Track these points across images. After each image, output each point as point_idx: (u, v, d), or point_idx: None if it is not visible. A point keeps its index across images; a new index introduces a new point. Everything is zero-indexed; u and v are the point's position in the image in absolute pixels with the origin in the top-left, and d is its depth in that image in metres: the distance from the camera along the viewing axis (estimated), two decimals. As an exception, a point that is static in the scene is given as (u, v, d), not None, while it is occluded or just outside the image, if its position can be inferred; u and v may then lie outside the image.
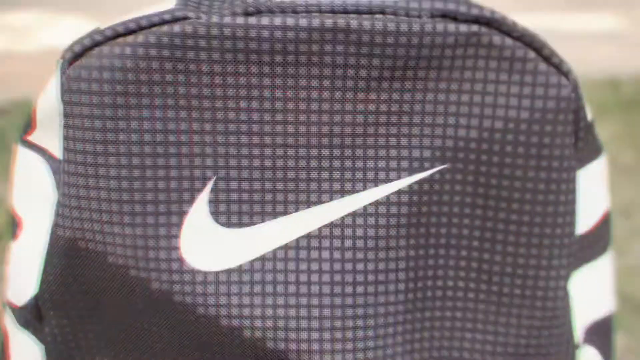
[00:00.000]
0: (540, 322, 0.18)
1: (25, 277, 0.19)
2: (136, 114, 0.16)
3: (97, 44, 0.16)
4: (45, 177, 0.18)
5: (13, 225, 0.20)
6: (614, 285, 0.86)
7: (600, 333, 0.21)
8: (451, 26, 0.15)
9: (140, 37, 0.16)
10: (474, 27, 0.16)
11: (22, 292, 0.19)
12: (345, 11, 0.15)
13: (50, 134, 0.18)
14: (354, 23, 0.15)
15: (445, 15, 0.16)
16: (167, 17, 0.16)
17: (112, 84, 0.16)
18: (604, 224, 0.21)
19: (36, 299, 0.19)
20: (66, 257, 0.18)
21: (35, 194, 0.19)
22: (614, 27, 2.29)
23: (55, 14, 2.60)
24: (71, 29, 2.37)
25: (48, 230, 0.18)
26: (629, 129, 1.33)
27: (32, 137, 0.19)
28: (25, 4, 2.79)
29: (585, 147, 0.19)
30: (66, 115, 0.17)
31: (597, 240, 0.21)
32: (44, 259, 0.18)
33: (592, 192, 0.20)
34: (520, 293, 0.18)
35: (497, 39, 0.16)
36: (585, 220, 0.20)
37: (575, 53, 1.97)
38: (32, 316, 0.19)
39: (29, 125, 0.19)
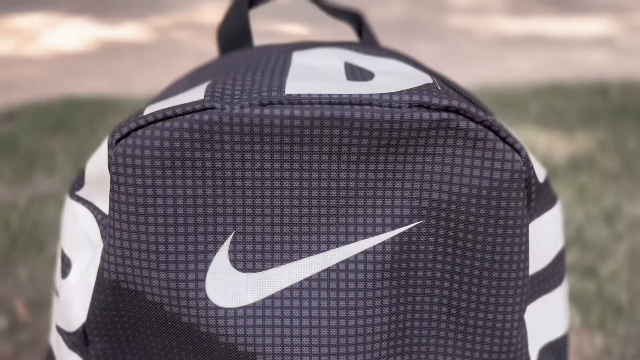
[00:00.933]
0: (499, 347, 0.22)
1: (74, 309, 0.23)
2: (171, 183, 0.20)
3: (140, 127, 0.20)
4: (93, 227, 0.22)
5: (63, 265, 0.24)
6: (598, 291, 0.89)
7: (554, 351, 0.25)
8: (425, 114, 0.19)
9: (175, 123, 0.19)
10: (444, 114, 0.20)
11: (71, 321, 0.23)
12: (340, 103, 0.19)
13: (98, 193, 0.22)
14: (347, 113, 0.19)
15: (421, 106, 0.19)
16: (197, 107, 0.20)
17: (152, 159, 0.20)
18: (559, 261, 0.25)
19: (84, 327, 0.23)
20: (111, 295, 0.22)
21: (84, 241, 0.23)
22: (605, 32, 2.32)
23: (61, 17, 2.63)
24: (77, 31, 2.40)
25: (94, 271, 0.22)
26: (615, 136, 1.36)
27: (81, 193, 0.23)
28: (31, 7, 2.82)
29: (541, 201, 0.23)
30: (113, 182, 0.21)
31: (552, 276, 0.25)
32: (91, 295, 0.22)
33: (548, 236, 0.24)
34: (483, 325, 0.22)
35: (462, 123, 0.20)
36: (541, 260, 0.24)
37: (567, 57, 2.00)
38: (80, 341, 0.23)
39: (79, 182, 0.23)
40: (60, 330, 0.24)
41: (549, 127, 1.46)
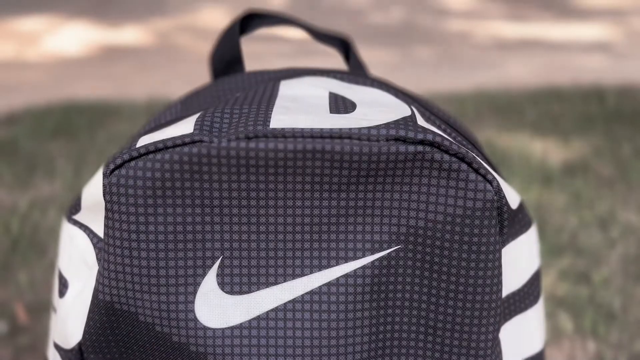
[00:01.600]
0: None
1: (71, 327, 0.24)
2: (162, 211, 0.22)
3: (133, 158, 0.21)
4: (89, 249, 0.24)
5: (60, 285, 0.25)
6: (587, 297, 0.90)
7: None
8: (402, 147, 0.21)
9: (166, 155, 0.21)
10: (420, 147, 0.21)
11: (68, 339, 0.25)
12: (322, 136, 0.20)
13: (94, 217, 0.23)
14: (328, 146, 0.20)
15: (398, 139, 0.21)
16: (187, 140, 0.21)
17: (144, 189, 0.21)
18: (534, 281, 0.26)
19: (80, 344, 0.24)
20: (105, 315, 0.23)
21: (80, 262, 0.24)
22: (602, 37, 2.33)
23: (62, 21, 2.64)
24: (78, 35, 2.41)
25: (89, 292, 0.23)
26: (610, 142, 1.37)
27: (78, 217, 0.24)
28: (32, 11, 2.83)
29: (516, 225, 0.24)
30: (107, 210, 0.22)
31: (528, 295, 0.26)
32: (86, 314, 0.23)
33: (523, 258, 0.25)
34: (458, 344, 0.23)
35: (437, 155, 0.21)
36: (516, 281, 0.25)
37: (564, 61, 2.01)
38: (76, 358, 0.24)
39: (76, 207, 0.24)
40: (57, 347, 0.25)
41: (544, 133, 1.47)
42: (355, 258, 0.22)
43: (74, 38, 2.36)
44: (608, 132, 1.46)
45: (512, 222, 0.24)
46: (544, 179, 1.24)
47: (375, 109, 0.22)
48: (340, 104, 0.23)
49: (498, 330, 0.23)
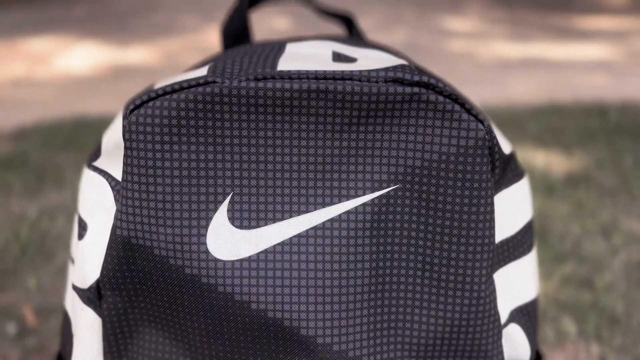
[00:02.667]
0: (469, 300, 0.25)
1: (89, 266, 0.26)
2: (177, 148, 0.23)
3: (151, 99, 0.23)
4: (107, 193, 0.25)
5: (80, 228, 0.27)
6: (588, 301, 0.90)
7: (524, 314, 0.28)
8: (399, 88, 0.22)
9: (182, 95, 0.23)
10: (416, 89, 0.22)
11: (86, 278, 0.26)
12: (325, 77, 0.22)
13: (112, 162, 0.25)
14: (331, 86, 0.22)
15: (396, 80, 0.22)
16: (201, 81, 0.23)
17: (161, 127, 0.23)
18: (527, 231, 0.27)
19: (97, 282, 0.26)
20: (122, 250, 0.24)
21: (99, 206, 0.25)
22: (603, 57, 2.35)
23: (73, 41, 2.69)
24: (87, 55, 2.46)
25: (108, 232, 0.25)
26: (612, 154, 1.38)
27: (98, 163, 0.26)
28: (43, 31, 2.89)
29: (508, 174, 0.26)
30: (126, 148, 0.24)
31: (521, 244, 0.27)
32: (104, 252, 0.25)
33: (516, 207, 0.27)
34: (454, 279, 0.24)
35: (432, 96, 0.22)
36: (510, 228, 0.27)
37: (565, 80, 2.03)
38: (94, 296, 0.26)
39: (96, 154, 0.26)
40: (75, 288, 0.27)
41: (547, 146, 1.48)
42: (356, 196, 0.24)
43: (84, 58, 2.41)
44: (610, 144, 1.47)
45: (504, 169, 0.25)
46: (546, 189, 1.25)
47: (375, 61, 0.24)
48: (342, 57, 0.24)
49: (491, 267, 0.25)
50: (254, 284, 0.24)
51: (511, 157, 0.26)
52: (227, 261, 0.24)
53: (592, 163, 1.37)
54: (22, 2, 3.74)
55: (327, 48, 0.26)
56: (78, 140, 1.52)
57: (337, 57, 0.25)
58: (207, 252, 0.24)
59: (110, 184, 0.25)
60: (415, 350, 0.25)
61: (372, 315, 0.24)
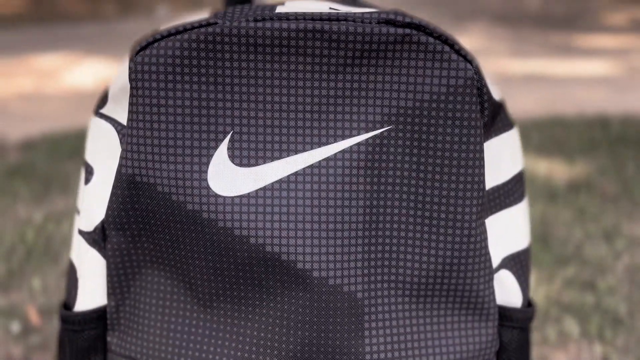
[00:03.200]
0: (460, 238, 0.26)
1: (95, 208, 0.27)
2: (180, 87, 0.24)
3: (156, 40, 0.24)
4: (113, 137, 0.26)
5: (86, 174, 0.28)
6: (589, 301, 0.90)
7: (516, 263, 0.28)
8: (391, 29, 0.23)
9: (186, 35, 0.24)
10: (407, 30, 0.24)
11: (92, 220, 0.27)
12: (321, 19, 0.23)
13: (119, 107, 0.26)
14: (326, 26, 0.23)
15: (388, 22, 0.24)
16: (203, 22, 0.24)
17: (166, 66, 0.24)
18: (517, 181, 0.28)
19: (102, 223, 0.27)
20: (127, 189, 0.25)
21: (105, 151, 0.26)
22: (605, 72, 2.37)
23: (79, 58, 2.73)
24: (94, 71, 2.49)
25: (113, 175, 0.26)
26: (615, 163, 1.39)
27: (104, 110, 0.27)
28: (52, 48, 2.94)
29: (498, 122, 0.27)
30: (132, 89, 0.25)
31: (512, 193, 0.28)
32: (110, 194, 0.26)
33: (506, 155, 0.28)
34: (445, 217, 0.25)
35: (423, 38, 0.24)
36: (501, 175, 0.27)
37: (567, 94, 2.04)
38: (99, 237, 0.27)
39: (103, 101, 0.27)
40: (81, 233, 0.28)
41: (549, 155, 1.49)
42: (351, 136, 0.25)
43: (90, 74, 2.44)
44: (612, 153, 1.47)
45: (494, 117, 0.26)
46: (548, 196, 1.25)
47: (369, 10, 0.25)
48: (338, 8, 0.26)
49: (481, 206, 0.25)
50: (253, 219, 0.24)
51: (501, 107, 0.27)
52: (227, 197, 0.25)
53: (594, 171, 1.37)
54: (32, 20, 3.81)
55: (325, 4, 0.27)
56: (84, 150, 1.54)
57: (334, 6, 0.26)
58: (208, 188, 0.25)
59: (116, 128, 0.26)
60: (408, 289, 0.26)
61: (367, 252, 0.25)
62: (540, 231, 1.13)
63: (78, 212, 0.28)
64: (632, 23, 3.69)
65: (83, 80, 2.40)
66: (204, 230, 0.25)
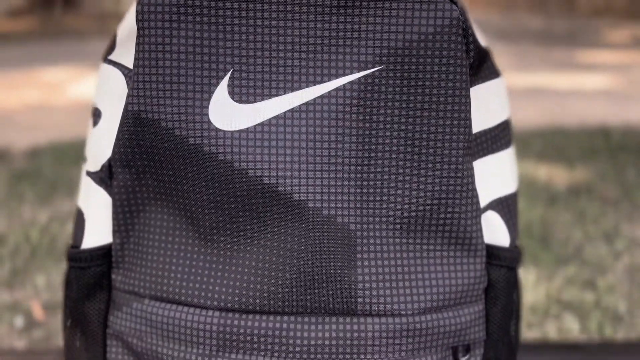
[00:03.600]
0: (447, 172, 0.27)
1: (102, 149, 0.28)
2: (184, 26, 0.26)
3: None
4: (121, 80, 0.28)
5: (94, 117, 0.29)
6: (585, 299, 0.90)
7: (503, 206, 0.29)
8: None
9: None
10: None
11: (99, 159, 0.28)
12: None
13: (126, 51, 0.28)
14: None
15: None
16: None
17: (170, 7, 0.26)
18: (504, 128, 0.30)
19: (109, 161, 0.28)
20: (133, 126, 0.27)
21: (113, 94, 0.28)
22: (606, 86, 2.39)
23: (85, 72, 2.77)
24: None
25: (120, 115, 0.27)
26: (615, 169, 1.40)
27: (112, 56, 0.28)
28: (59, 63, 2.98)
29: (484, 69, 0.28)
30: (138, 30, 0.26)
31: (499, 139, 0.29)
32: (116, 132, 0.27)
33: (492, 102, 0.29)
34: (433, 152, 0.27)
35: None
36: (488, 120, 0.29)
37: (569, 106, 2.06)
38: (105, 175, 0.28)
39: (111, 47, 0.29)
40: (89, 174, 0.29)
41: (549, 161, 1.50)
42: (344, 75, 0.26)
43: (93, 87, 2.48)
44: (612, 159, 1.48)
45: (480, 63, 0.28)
46: (549, 199, 1.26)
47: None
48: None
49: (469, 142, 0.27)
50: (252, 152, 0.26)
51: (487, 54, 0.28)
52: (227, 131, 0.26)
53: (595, 176, 1.38)
54: (40, 37, 3.87)
55: None
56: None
57: None
58: (209, 122, 0.26)
59: (123, 72, 0.28)
60: (399, 223, 0.27)
61: (359, 187, 0.27)
62: (540, 232, 1.13)
63: (85, 159, 0.30)
64: (633, 40, 3.73)
65: (88, 92, 2.43)
66: (205, 164, 0.26)
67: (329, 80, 0.26)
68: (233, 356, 0.27)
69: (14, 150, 1.67)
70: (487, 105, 0.29)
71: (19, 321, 0.89)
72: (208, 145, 0.26)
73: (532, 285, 0.96)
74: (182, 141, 0.27)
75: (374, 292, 0.26)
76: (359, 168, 0.27)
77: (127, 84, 0.27)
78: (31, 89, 2.53)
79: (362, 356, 0.26)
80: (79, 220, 0.30)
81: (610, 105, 2.15)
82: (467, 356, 0.28)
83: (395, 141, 0.27)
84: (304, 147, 0.26)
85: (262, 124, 0.26)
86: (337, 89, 0.26)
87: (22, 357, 0.55)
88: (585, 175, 1.41)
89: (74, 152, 1.55)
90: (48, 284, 0.98)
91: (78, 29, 4.20)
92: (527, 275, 0.97)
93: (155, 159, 0.27)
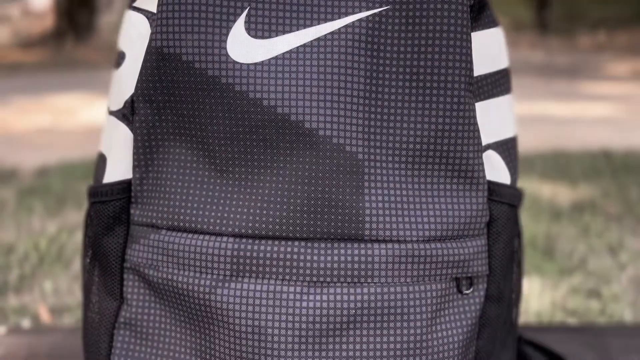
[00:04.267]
0: (450, 105, 0.29)
1: (125, 87, 0.30)
2: None
3: None
4: (144, 24, 0.30)
5: (118, 59, 0.31)
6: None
7: (503, 148, 0.31)
8: None
9: None
10: None
11: (122, 96, 0.30)
12: None
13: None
14: None
15: None
16: None
17: None
18: (504, 75, 0.32)
19: (132, 97, 0.30)
20: (155, 61, 0.29)
21: (136, 37, 0.30)
22: (608, 114, 2.42)
23: (95, 98, 2.83)
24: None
25: (142, 55, 0.29)
26: (618, 187, 1.41)
27: (137, 4, 0.31)
28: (69, 90, 3.04)
29: (484, 17, 0.30)
30: None
31: (499, 85, 0.31)
32: (139, 69, 0.29)
33: (492, 49, 0.31)
34: (437, 85, 0.28)
35: None
36: (487, 65, 0.31)
37: (572, 133, 2.09)
38: (128, 112, 0.30)
39: None
40: (112, 113, 0.31)
41: (553, 180, 1.51)
42: (353, 13, 0.28)
43: (105, 112, 2.52)
44: (615, 178, 1.49)
45: (480, 11, 0.30)
46: (552, 215, 1.27)
47: None
48: None
49: (471, 78, 0.29)
50: (266, 84, 0.28)
51: (487, 5, 0.30)
52: (244, 64, 0.28)
53: (598, 193, 1.39)
54: (52, 67, 3.95)
55: None
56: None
57: None
58: (227, 55, 0.28)
59: (147, 17, 0.30)
60: (404, 155, 0.28)
61: (367, 119, 0.28)
62: (545, 245, 1.14)
63: (110, 101, 0.32)
64: (634, 74, 3.78)
65: (98, 117, 2.47)
66: (222, 95, 0.28)
67: (340, 17, 0.28)
68: (246, 281, 0.28)
69: (24, 168, 1.70)
70: (487, 51, 0.31)
71: (26, 324, 0.90)
72: (225, 77, 0.28)
73: (537, 294, 0.96)
74: (201, 74, 0.28)
75: (380, 219, 0.28)
76: (367, 101, 0.29)
77: (151, 26, 0.30)
78: (42, 114, 2.58)
79: (369, 280, 0.28)
80: (100, 161, 0.32)
81: (612, 132, 2.17)
82: (470, 289, 0.29)
83: (400, 76, 0.29)
84: (315, 80, 0.28)
85: (276, 58, 0.28)
86: (346, 26, 0.28)
87: (30, 334, 0.56)
88: (588, 193, 1.42)
89: (83, 169, 1.58)
90: (55, 289, 0.98)
91: (89, 61, 4.29)
92: (531, 285, 0.97)
93: (176, 93, 0.29)
